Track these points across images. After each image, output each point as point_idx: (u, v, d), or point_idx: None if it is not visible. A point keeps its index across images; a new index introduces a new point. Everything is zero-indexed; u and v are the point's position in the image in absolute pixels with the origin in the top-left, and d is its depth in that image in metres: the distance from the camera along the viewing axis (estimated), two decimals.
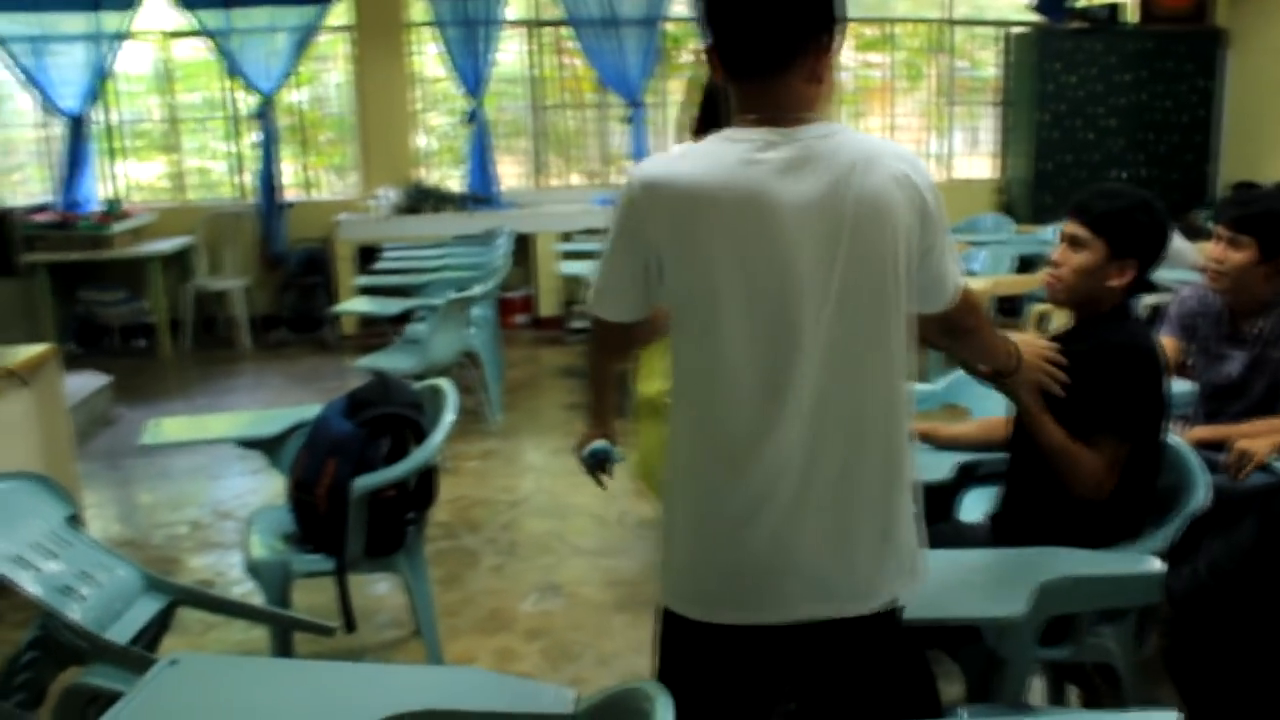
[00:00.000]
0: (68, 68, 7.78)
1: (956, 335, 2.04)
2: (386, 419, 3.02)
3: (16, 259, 7.20)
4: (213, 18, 7.78)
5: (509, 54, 8.77)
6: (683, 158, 1.71)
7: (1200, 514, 2.42)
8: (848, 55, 9.74)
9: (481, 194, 8.23)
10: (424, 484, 3.15)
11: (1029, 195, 8.47)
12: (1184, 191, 8.40)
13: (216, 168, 8.73)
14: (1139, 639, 2.78)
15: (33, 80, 7.77)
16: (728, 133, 1.69)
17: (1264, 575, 0.76)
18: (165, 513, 4.70)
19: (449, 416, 3.04)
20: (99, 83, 7.86)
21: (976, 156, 9.55)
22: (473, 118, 8.25)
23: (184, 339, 7.76)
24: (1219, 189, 8.53)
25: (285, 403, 5.65)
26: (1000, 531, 2.60)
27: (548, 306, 8.19)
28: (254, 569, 2.95)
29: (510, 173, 8.97)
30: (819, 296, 1.64)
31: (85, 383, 5.98)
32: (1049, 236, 6.64)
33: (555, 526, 4.44)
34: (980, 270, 6.12)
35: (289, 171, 8.54)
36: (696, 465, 1.75)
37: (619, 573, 3.97)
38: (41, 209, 7.71)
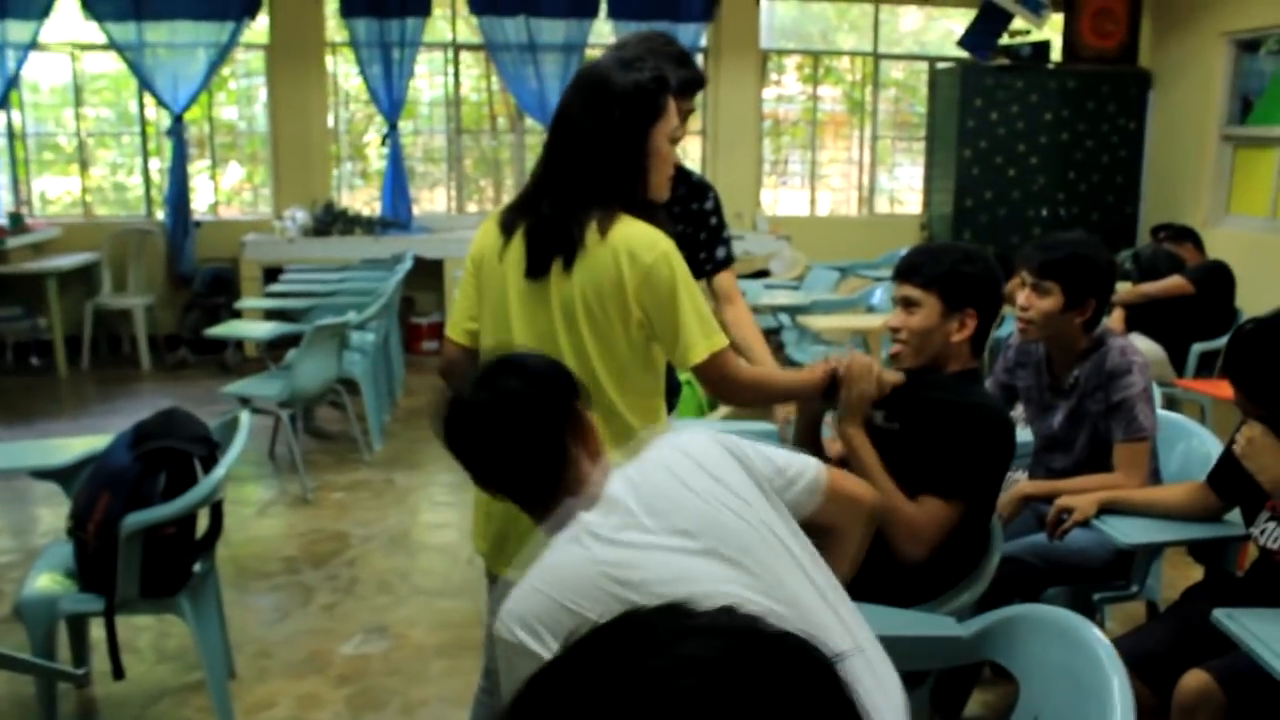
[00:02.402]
0: None
1: None
2: (165, 453, 2.89)
3: None
4: (123, 31, 7.64)
5: (436, 78, 8.69)
6: None
7: None
8: (794, 87, 9.70)
9: (393, 218, 8.11)
10: (213, 522, 3.02)
11: (950, 231, 8.42)
12: (1107, 232, 8.33)
13: (130, 184, 8.59)
14: (942, 703, 2.68)
15: None
16: None
17: None
18: (3, 539, 4.54)
19: (233, 453, 2.91)
20: (4, 93, 7.70)
21: (911, 191, 9.53)
22: (387, 140, 8.15)
23: (82, 358, 7.58)
24: (1143, 230, 8.49)
25: None
26: None
27: None
28: (18, 607, 2.80)
29: (432, 197, 8.87)
30: None
31: None
32: None
33: (403, 564, 4.30)
34: (878, 306, 6.02)
35: (207, 189, 8.40)
36: None
37: (453, 615, 3.83)
38: None
